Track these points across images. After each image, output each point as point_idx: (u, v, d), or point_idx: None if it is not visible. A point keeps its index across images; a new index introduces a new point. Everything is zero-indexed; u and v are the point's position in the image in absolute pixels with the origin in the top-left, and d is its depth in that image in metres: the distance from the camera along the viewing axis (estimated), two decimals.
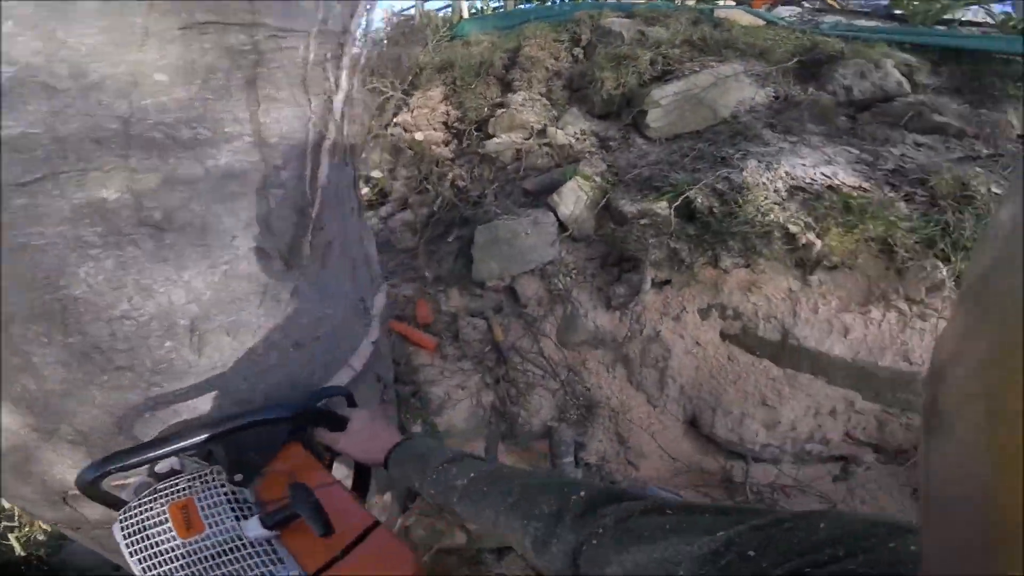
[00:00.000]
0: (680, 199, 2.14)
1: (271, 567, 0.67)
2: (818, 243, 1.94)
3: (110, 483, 0.84)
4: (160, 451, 0.78)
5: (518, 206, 2.59)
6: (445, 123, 3.05)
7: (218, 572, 0.67)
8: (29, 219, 0.73)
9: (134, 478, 0.85)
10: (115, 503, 0.84)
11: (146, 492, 0.80)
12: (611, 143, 2.77)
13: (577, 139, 2.76)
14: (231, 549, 0.69)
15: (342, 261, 1.19)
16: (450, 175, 2.84)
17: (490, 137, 2.83)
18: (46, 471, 0.96)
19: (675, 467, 1.98)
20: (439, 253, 2.72)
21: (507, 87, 3.09)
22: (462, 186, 2.91)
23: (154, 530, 0.72)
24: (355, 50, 0.99)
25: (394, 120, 3.13)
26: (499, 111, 2.85)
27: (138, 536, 0.72)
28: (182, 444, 0.79)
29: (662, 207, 2.18)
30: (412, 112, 3.08)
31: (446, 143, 3.01)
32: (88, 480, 0.78)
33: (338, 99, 0.97)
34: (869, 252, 1.95)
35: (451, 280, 2.50)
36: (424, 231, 2.79)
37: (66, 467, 0.94)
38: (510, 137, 2.79)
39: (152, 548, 0.70)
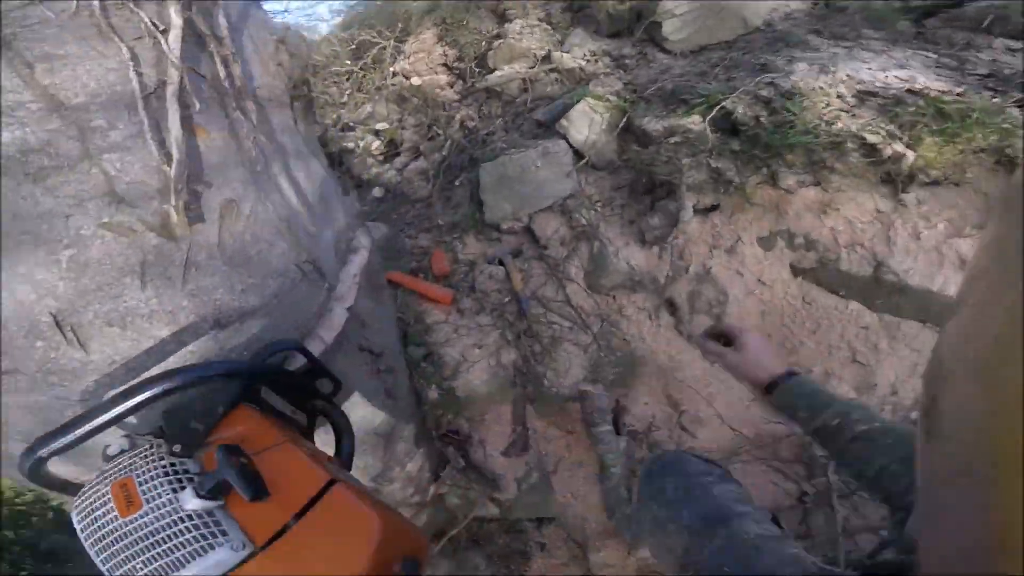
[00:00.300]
0: (715, 110, 1.79)
1: (209, 540, 0.60)
2: (910, 154, 1.57)
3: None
4: (98, 420, 0.70)
5: (530, 139, 2.28)
6: (445, 64, 2.75)
7: (157, 550, 0.61)
8: None
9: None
10: (63, 487, 0.81)
11: (96, 474, 0.73)
12: (627, 61, 2.40)
13: (588, 61, 2.40)
14: (169, 524, 0.62)
15: (262, 222, 1.02)
16: (458, 117, 2.57)
17: (492, 71, 2.51)
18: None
19: (740, 436, 1.67)
20: (454, 199, 2.48)
21: (502, 18, 2.75)
22: (472, 126, 2.63)
23: (100, 511, 0.68)
24: None
25: (392, 70, 2.84)
26: (497, 43, 2.52)
27: (88, 519, 0.68)
28: (118, 411, 0.70)
29: (695, 121, 1.83)
30: (409, 58, 2.80)
31: (451, 84, 2.72)
32: (27, 469, 0.72)
33: (172, 37, 0.80)
34: (981, 165, 1.56)
35: (466, 225, 2.24)
36: (436, 178, 2.53)
37: None
38: (513, 68, 2.46)
39: (100, 530, 0.66)
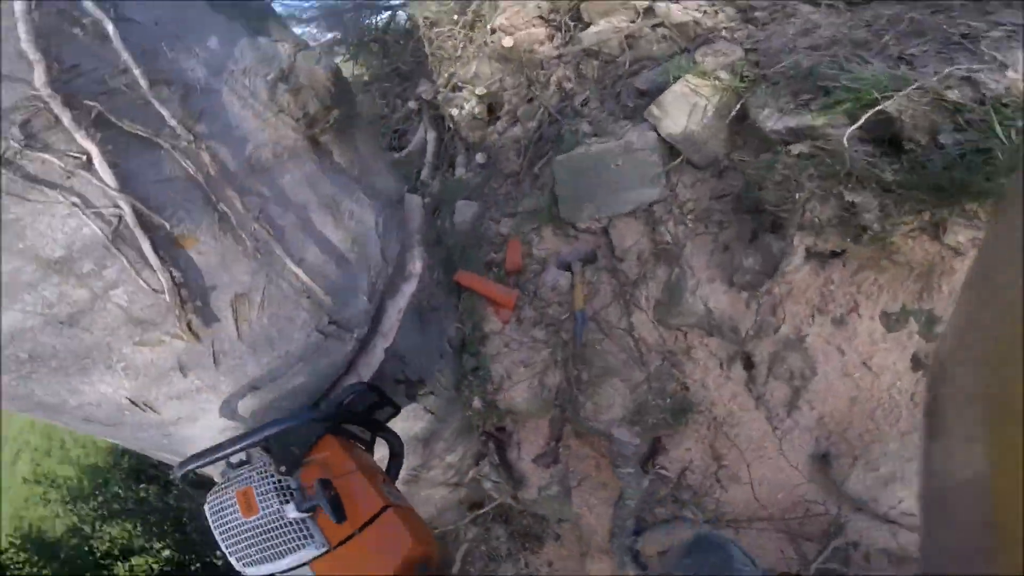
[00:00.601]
0: (869, 112, 1.25)
1: (302, 541, 0.90)
2: None
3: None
4: (223, 453, 1.01)
5: (624, 116, 1.93)
6: (541, 17, 2.37)
7: (267, 544, 0.90)
8: None
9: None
10: (199, 484, 1.20)
11: (224, 480, 1.05)
12: (757, 13, 1.78)
13: (704, 13, 1.84)
14: (277, 527, 0.91)
15: (277, 303, 1.15)
16: (554, 78, 2.27)
17: (588, 26, 2.09)
18: None
19: (772, 500, 1.48)
20: (541, 178, 2.30)
21: None
22: (568, 88, 2.31)
23: (227, 510, 0.96)
24: (90, 105, 0.73)
25: (490, 26, 2.57)
26: None
27: (218, 514, 0.97)
28: (236, 448, 1.01)
29: (833, 125, 1.33)
30: (505, 12, 2.47)
31: (549, 38, 2.36)
32: (179, 476, 1.08)
33: (97, 167, 0.80)
34: None
35: (546, 215, 2.09)
36: (527, 150, 2.36)
37: None
38: (610, 23, 2.01)
39: (226, 525, 0.95)
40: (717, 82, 1.57)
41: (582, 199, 1.89)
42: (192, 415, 1.11)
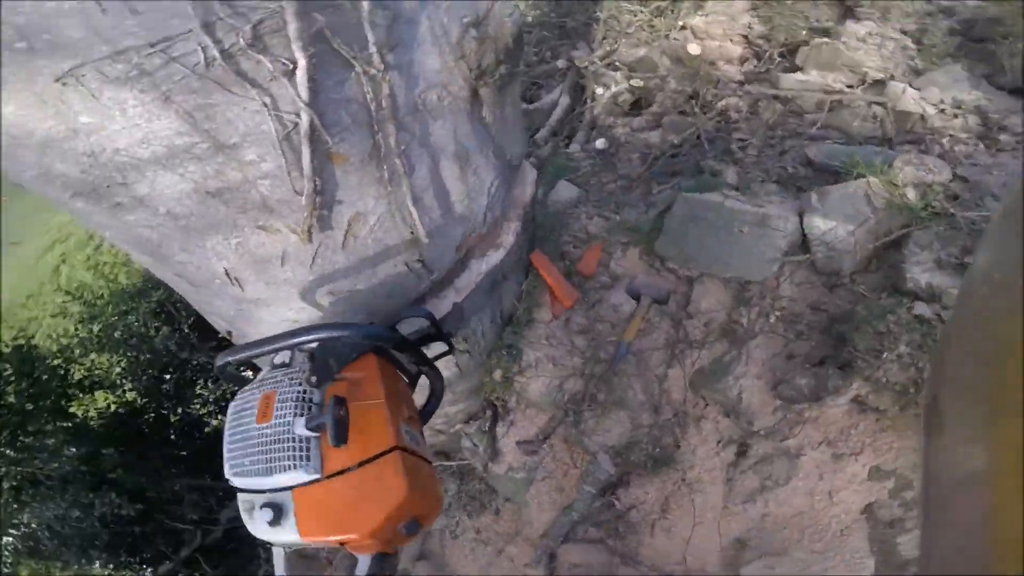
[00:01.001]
0: None
1: (297, 461, 0.83)
2: None
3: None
4: (268, 347, 0.98)
5: (776, 179, 1.85)
6: (746, 37, 2.21)
7: (264, 456, 0.85)
8: None
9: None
10: (239, 380, 1.15)
11: (259, 376, 1.03)
12: (1002, 135, 1.63)
13: (941, 112, 1.69)
14: (280, 439, 0.86)
15: (386, 229, 1.24)
16: (722, 103, 2.15)
17: (795, 70, 1.95)
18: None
19: (686, 560, 1.67)
20: (656, 199, 2.24)
21: (847, 12, 1.98)
22: (734, 119, 2.20)
23: (245, 413, 0.92)
24: (316, 17, 0.79)
25: (679, 24, 2.40)
26: (820, 40, 1.89)
27: (235, 414, 0.94)
28: (281, 344, 0.97)
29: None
30: (707, 16, 2.29)
31: (740, 61, 2.20)
32: (218, 368, 1.07)
33: (299, 78, 0.86)
34: None
35: (641, 237, 2.07)
36: (653, 163, 2.29)
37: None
38: (823, 78, 1.87)
39: (238, 427, 0.92)
40: (900, 198, 1.47)
41: (687, 242, 1.86)
42: (269, 301, 1.22)
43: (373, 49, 0.94)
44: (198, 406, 3.69)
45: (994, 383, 0.19)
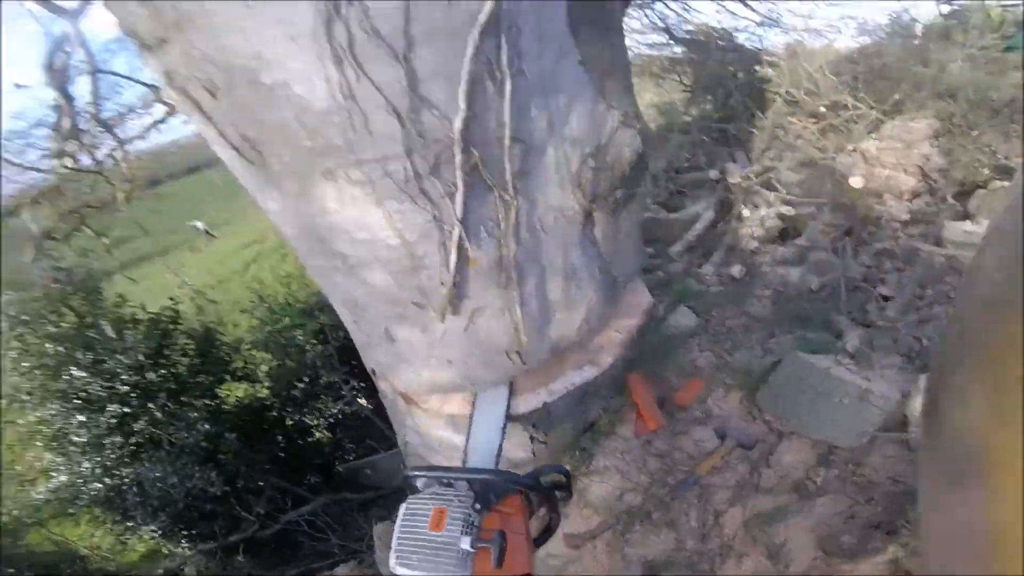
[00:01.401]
0: None
1: (457, 569, 1.04)
2: None
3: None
4: (448, 474, 1.24)
5: (902, 352, 1.81)
6: (922, 169, 2.12)
7: (430, 558, 1.06)
8: None
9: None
10: (413, 490, 1.33)
11: (431, 490, 1.23)
12: None
13: None
14: (446, 549, 1.06)
15: (496, 323, 1.59)
16: (879, 245, 2.10)
17: (966, 218, 1.85)
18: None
19: None
20: (769, 342, 2.26)
21: None
22: (884, 271, 2.10)
23: (420, 518, 1.11)
24: (473, 152, 1.17)
25: (850, 147, 2.39)
26: (999, 183, 1.80)
27: (411, 517, 1.12)
28: (459, 475, 1.25)
29: None
30: (881, 142, 2.27)
31: (911, 196, 2.13)
32: (404, 480, 1.28)
33: (457, 201, 1.25)
34: None
35: (746, 383, 2.16)
36: (784, 304, 2.31)
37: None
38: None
39: (412, 528, 1.11)
40: None
41: (785, 399, 1.97)
42: (408, 359, 1.68)
43: (509, 178, 1.28)
44: (313, 417, 4.34)
45: (993, 384, 0.19)
